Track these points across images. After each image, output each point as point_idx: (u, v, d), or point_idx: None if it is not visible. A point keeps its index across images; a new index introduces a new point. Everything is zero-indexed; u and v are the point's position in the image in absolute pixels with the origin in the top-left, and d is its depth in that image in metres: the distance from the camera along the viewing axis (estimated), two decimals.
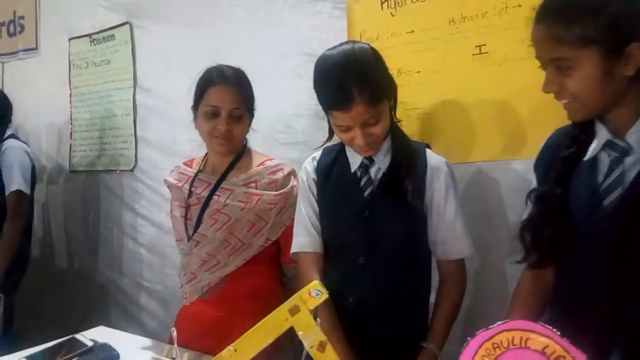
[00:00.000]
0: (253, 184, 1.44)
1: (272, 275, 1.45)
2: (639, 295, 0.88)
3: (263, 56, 1.90)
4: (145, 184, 2.39)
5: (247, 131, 1.50)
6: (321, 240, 1.31)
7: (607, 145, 0.93)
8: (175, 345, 1.05)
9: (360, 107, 1.10)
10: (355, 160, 1.26)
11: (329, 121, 1.25)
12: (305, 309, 0.87)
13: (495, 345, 0.60)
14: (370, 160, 1.24)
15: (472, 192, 1.46)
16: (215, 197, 1.44)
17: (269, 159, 1.50)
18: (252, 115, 1.50)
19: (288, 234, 1.38)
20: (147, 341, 1.48)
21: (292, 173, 1.48)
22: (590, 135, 0.97)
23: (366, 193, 1.23)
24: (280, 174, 1.46)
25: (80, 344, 1.33)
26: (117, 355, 1.32)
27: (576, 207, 0.96)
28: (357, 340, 1.21)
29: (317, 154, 1.36)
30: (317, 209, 1.31)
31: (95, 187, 2.62)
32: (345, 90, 1.08)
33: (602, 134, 0.94)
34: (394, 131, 1.26)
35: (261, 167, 1.47)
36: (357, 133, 1.14)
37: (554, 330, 0.57)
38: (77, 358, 1.27)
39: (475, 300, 1.41)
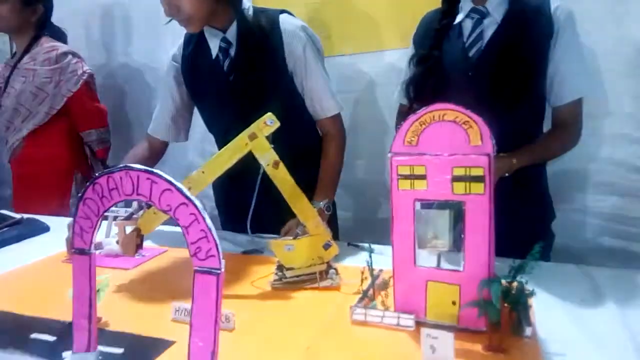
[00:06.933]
0: (32, 62, 1.83)
1: (65, 143, 1.89)
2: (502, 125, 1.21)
3: None
4: None
5: (13, 12, 1.78)
6: (173, 128, 1.44)
7: (472, 11, 1.28)
8: None
9: None
10: (214, 44, 1.33)
11: None
12: (261, 135, 1.06)
13: (421, 123, 0.86)
14: (228, 42, 1.32)
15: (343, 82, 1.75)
16: (12, 75, 1.85)
17: (52, 44, 1.86)
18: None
19: (77, 106, 1.85)
20: None
21: (69, 53, 1.85)
22: (456, 12, 1.30)
23: (231, 77, 1.33)
24: (54, 53, 1.83)
25: (7, 217, 1.35)
26: (47, 228, 1.37)
27: (449, 62, 1.29)
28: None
29: (176, 48, 1.42)
30: (175, 96, 1.42)
31: None
32: None
33: (467, 5, 1.29)
34: (240, 15, 1.30)
35: (39, 47, 1.85)
36: None
37: (460, 106, 0.81)
38: (8, 228, 1.30)
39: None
